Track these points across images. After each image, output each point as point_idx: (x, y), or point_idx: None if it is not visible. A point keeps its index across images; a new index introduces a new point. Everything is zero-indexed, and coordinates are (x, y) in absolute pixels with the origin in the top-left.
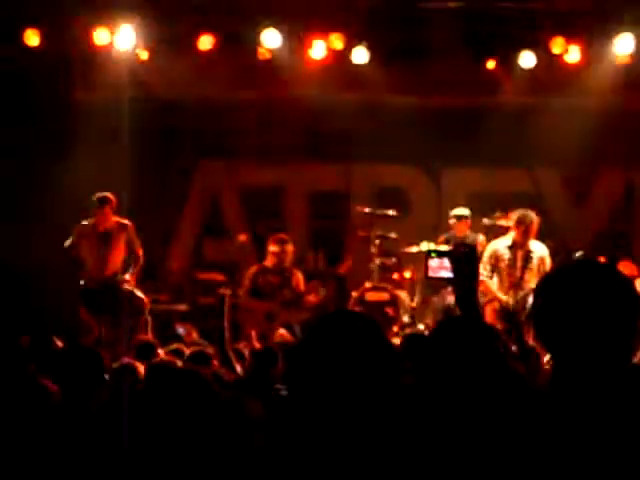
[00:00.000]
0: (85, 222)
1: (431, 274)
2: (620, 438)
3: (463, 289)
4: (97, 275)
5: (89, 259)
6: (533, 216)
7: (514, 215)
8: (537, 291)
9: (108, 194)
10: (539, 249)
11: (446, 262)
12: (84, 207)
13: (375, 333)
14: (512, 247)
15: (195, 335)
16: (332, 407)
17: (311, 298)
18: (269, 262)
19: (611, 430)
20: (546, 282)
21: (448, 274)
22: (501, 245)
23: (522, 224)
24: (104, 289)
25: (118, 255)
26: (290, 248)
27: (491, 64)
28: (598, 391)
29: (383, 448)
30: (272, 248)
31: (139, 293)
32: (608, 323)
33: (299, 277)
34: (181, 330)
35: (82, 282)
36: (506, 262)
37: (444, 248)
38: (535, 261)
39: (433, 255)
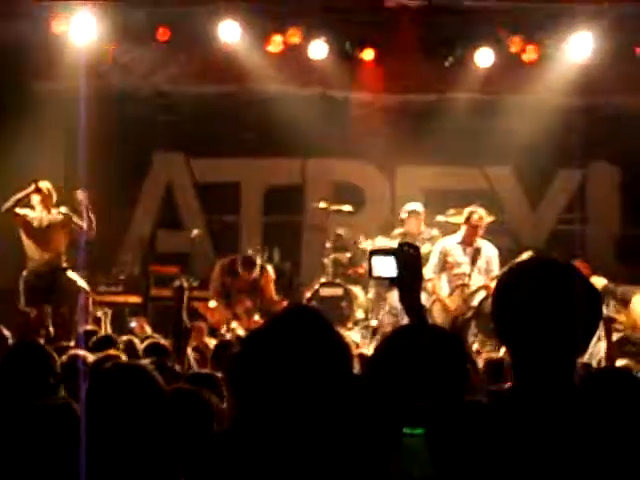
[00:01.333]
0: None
1: (375, 273)
2: (579, 437)
3: (407, 289)
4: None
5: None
6: (482, 213)
7: (464, 212)
8: (497, 288)
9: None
10: (488, 248)
11: (391, 261)
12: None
13: (327, 328)
14: (461, 244)
15: (147, 328)
16: (284, 401)
17: (277, 309)
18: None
19: (570, 430)
20: (506, 279)
21: (392, 273)
22: (450, 242)
23: (470, 221)
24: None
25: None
26: (257, 271)
27: (448, 62)
28: (558, 389)
29: (333, 444)
30: (241, 271)
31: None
32: (567, 320)
33: (269, 278)
34: (133, 323)
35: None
36: (454, 258)
37: (388, 247)
38: (483, 260)
39: (377, 254)
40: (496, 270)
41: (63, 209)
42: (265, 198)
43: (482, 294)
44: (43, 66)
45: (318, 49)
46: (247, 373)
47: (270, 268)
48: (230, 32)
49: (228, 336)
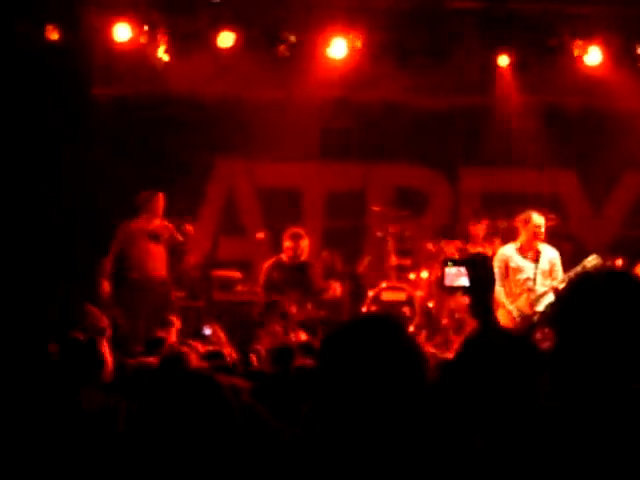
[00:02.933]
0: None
1: (448, 283)
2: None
3: (479, 297)
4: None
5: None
6: (538, 217)
7: (520, 217)
8: (562, 297)
9: None
10: (548, 251)
11: (463, 270)
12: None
13: (404, 337)
14: (520, 249)
15: (222, 335)
16: (362, 411)
17: (328, 295)
18: (285, 257)
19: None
20: (571, 289)
21: (465, 282)
22: (509, 249)
23: (528, 226)
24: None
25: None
26: (305, 242)
27: (504, 62)
28: (622, 400)
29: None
30: (287, 243)
31: None
32: (631, 334)
33: (316, 272)
34: (208, 331)
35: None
36: (516, 264)
37: (461, 256)
38: (545, 263)
39: (450, 264)
40: (560, 272)
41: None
42: (327, 203)
43: (549, 297)
44: (103, 73)
45: (380, 54)
46: (327, 377)
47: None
48: (293, 37)
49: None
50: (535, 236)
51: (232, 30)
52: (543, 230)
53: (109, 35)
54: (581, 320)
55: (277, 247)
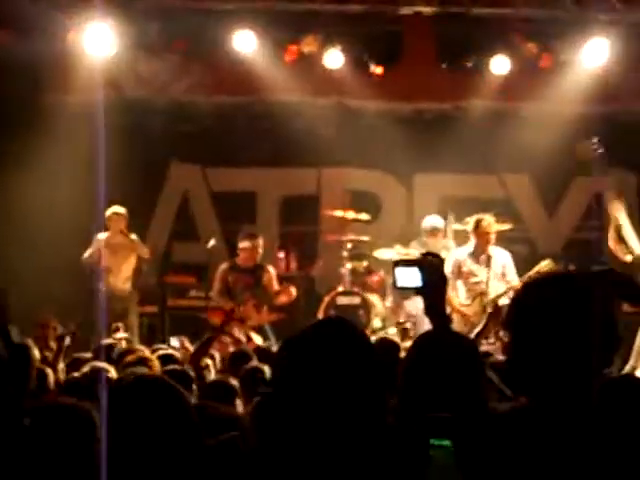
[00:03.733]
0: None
1: (400, 284)
2: (597, 450)
3: (432, 298)
4: None
5: None
6: (490, 221)
7: (471, 220)
8: (513, 301)
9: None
10: (500, 254)
11: (415, 271)
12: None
13: (363, 341)
14: (473, 253)
15: (189, 346)
16: (320, 417)
17: (283, 299)
18: (240, 259)
19: (589, 442)
20: (523, 293)
21: (417, 283)
22: (462, 252)
23: (479, 229)
24: None
25: None
26: (260, 243)
27: (463, 69)
28: (575, 402)
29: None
30: (242, 244)
31: None
32: (583, 336)
33: (271, 275)
34: (175, 342)
35: None
36: (468, 267)
37: (412, 256)
38: (498, 266)
39: (401, 265)
40: (512, 274)
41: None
42: (281, 208)
43: (504, 300)
44: (58, 79)
45: (334, 58)
46: (287, 381)
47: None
48: (245, 42)
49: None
50: (485, 240)
51: (185, 36)
52: (493, 234)
53: (67, 41)
54: (534, 323)
55: (232, 252)
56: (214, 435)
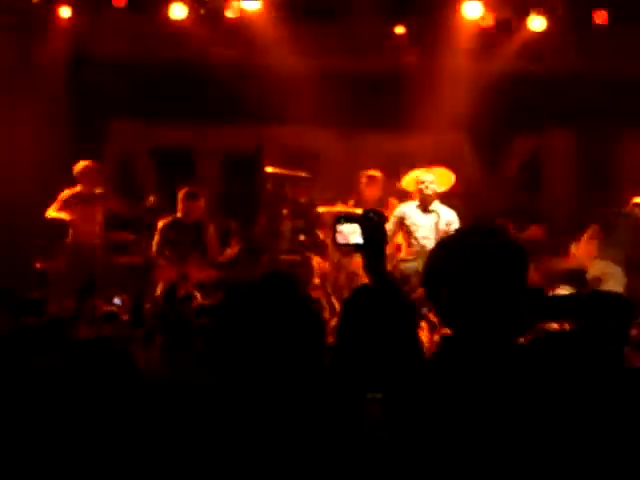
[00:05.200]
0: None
1: (340, 241)
2: (516, 395)
3: (373, 256)
4: None
5: None
6: (422, 174)
7: (412, 178)
8: (428, 259)
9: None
10: (446, 212)
11: (355, 228)
12: None
13: (302, 295)
14: (419, 207)
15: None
16: (262, 370)
17: (225, 256)
18: (182, 215)
19: (509, 387)
20: (434, 251)
21: (358, 240)
22: (409, 206)
23: (418, 186)
24: None
25: None
26: (201, 203)
27: (400, 29)
28: (488, 361)
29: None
30: (182, 204)
31: None
32: (489, 280)
33: (213, 231)
34: (117, 301)
35: None
36: (412, 221)
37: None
38: (442, 223)
39: (342, 221)
40: None
41: None
42: (222, 165)
43: None
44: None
45: (272, 15)
46: (227, 331)
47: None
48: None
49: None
50: (422, 194)
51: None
52: (430, 186)
53: None
54: (452, 278)
55: (171, 210)
56: None
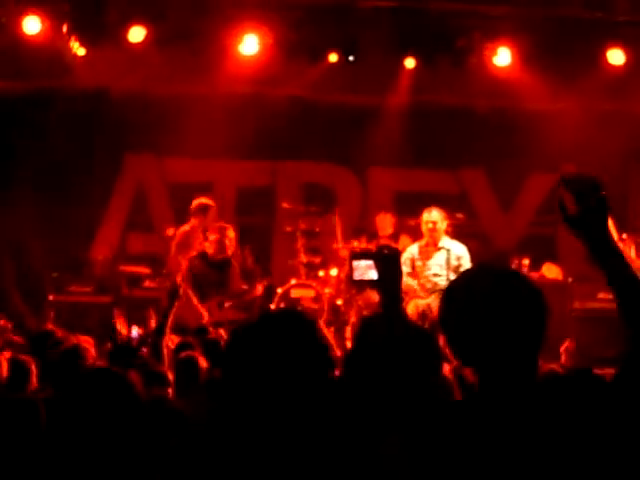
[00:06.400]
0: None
1: (356, 277)
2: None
3: (388, 292)
4: None
5: None
6: (427, 214)
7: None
8: (443, 297)
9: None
10: (456, 248)
11: (371, 264)
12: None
13: (312, 332)
14: (426, 246)
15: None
16: (269, 408)
17: (250, 296)
18: (209, 250)
19: (531, 430)
20: (451, 288)
21: (373, 276)
22: (416, 247)
23: (426, 223)
24: None
25: None
26: (232, 234)
27: (410, 63)
28: (517, 390)
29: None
30: (212, 236)
31: None
32: (513, 330)
33: (237, 270)
34: (135, 333)
35: None
36: (422, 261)
37: (368, 249)
38: (453, 259)
39: (358, 257)
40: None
41: None
42: (238, 199)
43: None
44: (10, 65)
45: (290, 51)
46: (235, 368)
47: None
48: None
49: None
50: (429, 233)
51: (143, 25)
52: (435, 226)
53: (18, 28)
54: (472, 319)
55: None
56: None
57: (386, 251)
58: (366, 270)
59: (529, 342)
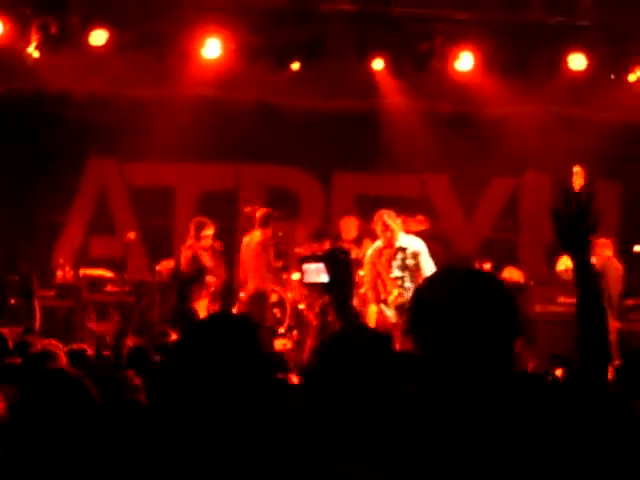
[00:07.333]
0: None
1: (307, 280)
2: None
3: (339, 294)
4: None
5: None
6: (383, 216)
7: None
8: (413, 298)
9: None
10: (412, 244)
11: (321, 267)
12: None
13: (250, 337)
14: (384, 248)
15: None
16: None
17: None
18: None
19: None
20: (421, 289)
21: (325, 279)
22: (375, 247)
23: (377, 224)
24: None
25: None
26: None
27: (379, 65)
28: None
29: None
30: (209, 231)
31: None
32: (480, 325)
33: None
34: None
35: None
36: (382, 263)
37: (318, 252)
38: (410, 258)
39: (308, 260)
40: (425, 266)
41: None
42: (199, 203)
43: None
44: None
45: (249, 56)
46: (171, 380)
47: None
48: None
49: None
50: (382, 234)
51: (105, 29)
52: (388, 227)
53: None
54: (442, 320)
55: (149, 247)
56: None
57: (336, 253)
58: (317, 273)
59: (503, 340)
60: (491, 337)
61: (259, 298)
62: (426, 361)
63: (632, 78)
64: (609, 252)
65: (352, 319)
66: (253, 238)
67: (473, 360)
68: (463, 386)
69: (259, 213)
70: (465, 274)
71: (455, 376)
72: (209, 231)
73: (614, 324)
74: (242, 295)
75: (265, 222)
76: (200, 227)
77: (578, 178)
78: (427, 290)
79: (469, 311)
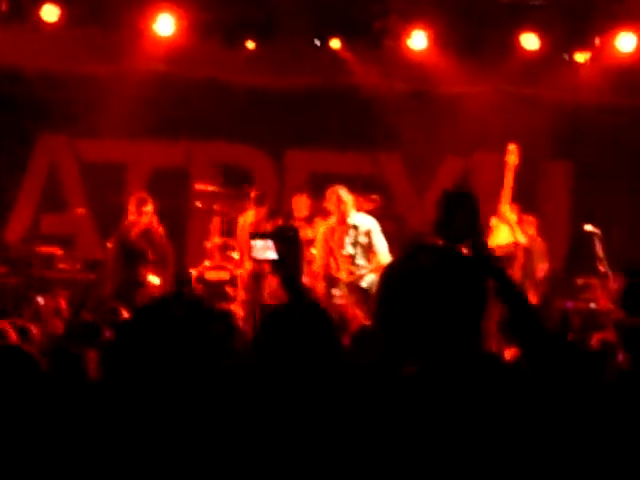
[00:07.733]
0: None
1: (255, 255)
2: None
3: (287, 271)
4: None
5: None
6: (338, 190)
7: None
8: (380, 280)
9: None
10: (364, 222)
11: (270, 244)
12: None
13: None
14: (338, 224)
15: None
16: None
17: None
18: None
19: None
20: (387, 270)
21: (272, 256)
22: (328, 225)
23: (331, 198)
24: None
25: None
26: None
27: (335, 44)
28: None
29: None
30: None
31: None
32: (448, 300)
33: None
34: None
35: None
36: (334, 241)
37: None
38: (362, 236)
39: (256, 237)
40: (378, 244)
41: None
42: (150, 180)
43: (371, 277)
44: None
45: (202, 33)
46: (120, 363)
47: None
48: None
49: None
50: (339, 210)
51: (56, 4)
52: (340, 200)
53: None
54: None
55: (100, 224)
56: None
57: (285, 230)
58: (265, 250)
59: (471, 315)
60: (460, 313)
61: (255, 278)
62: (388, 341)
63: (580, 58)
64: (532, 230)
65: (300, 295)
66: (247, 218)
67: (438, 340)
68: (427, 368)
69: (253, 193)
70: (431, 249)
71: (417, 357)
72: (149, 207)
73: (533, 299)
74: (241, 272)
75: (259, 201)
76: (141, 203)
77: (512, 156)
78: (394, 268)
79: (437, 284)
